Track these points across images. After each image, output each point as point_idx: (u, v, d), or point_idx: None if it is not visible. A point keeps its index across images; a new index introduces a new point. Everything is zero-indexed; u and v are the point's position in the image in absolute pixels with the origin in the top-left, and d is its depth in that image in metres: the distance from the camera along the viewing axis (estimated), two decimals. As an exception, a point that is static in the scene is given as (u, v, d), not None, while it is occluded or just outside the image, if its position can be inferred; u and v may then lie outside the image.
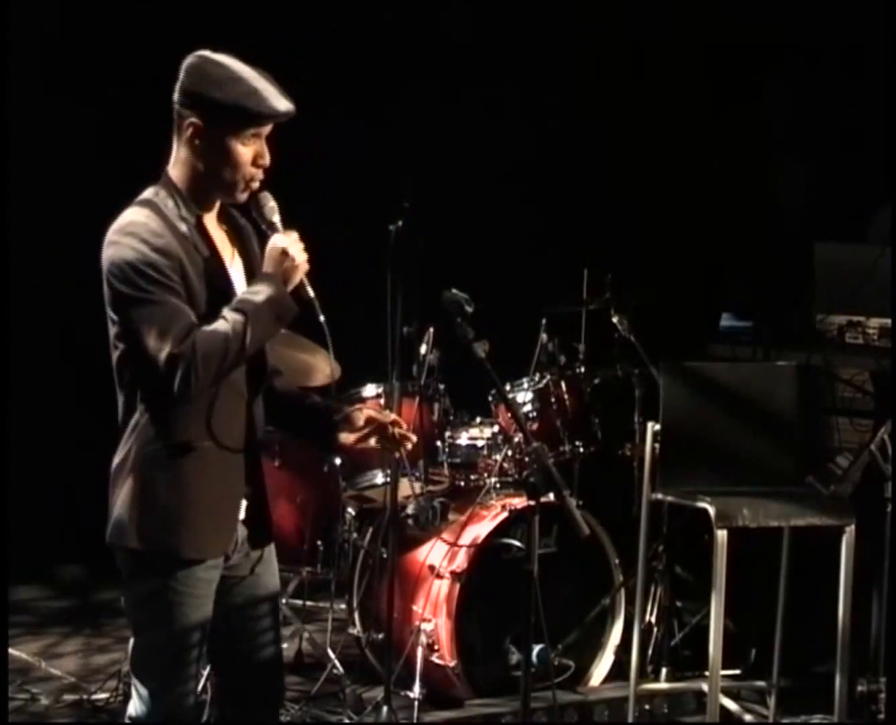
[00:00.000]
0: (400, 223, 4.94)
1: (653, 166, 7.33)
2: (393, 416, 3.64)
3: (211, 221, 3.41)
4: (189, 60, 3.33)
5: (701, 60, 7.36)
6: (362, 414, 3.58)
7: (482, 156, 7.37)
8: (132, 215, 3.28)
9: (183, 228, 3.30)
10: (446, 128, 7.31)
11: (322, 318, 3.38)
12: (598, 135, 7.39)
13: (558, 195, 7.41)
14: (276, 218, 3.41)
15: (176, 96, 3.33)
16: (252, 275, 3.42)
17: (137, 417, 3.31)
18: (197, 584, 3.33)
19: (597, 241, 6.93)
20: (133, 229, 3.24)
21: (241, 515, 3.43)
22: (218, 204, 3.42)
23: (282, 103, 3.32)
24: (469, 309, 3.56)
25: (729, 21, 7.25)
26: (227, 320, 3.24)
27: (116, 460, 3.35)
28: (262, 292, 3.29)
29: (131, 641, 3.46)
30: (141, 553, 3.31)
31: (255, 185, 3.37)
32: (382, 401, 5.56)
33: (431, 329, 5.37)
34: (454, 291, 3.60)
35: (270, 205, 3.41)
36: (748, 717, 5.42)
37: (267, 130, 3.34)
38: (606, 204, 7.36)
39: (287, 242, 3.35)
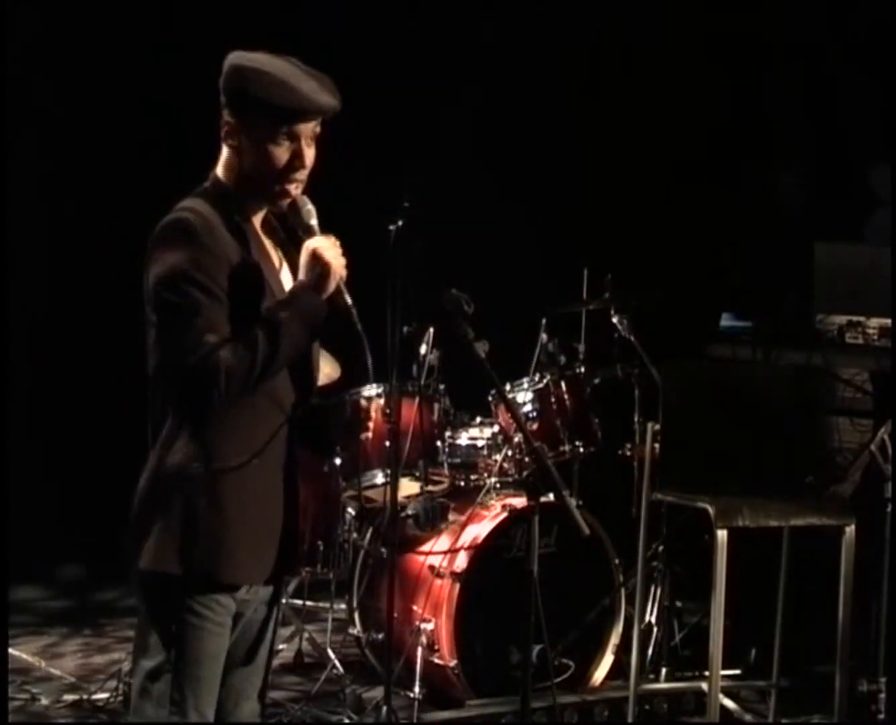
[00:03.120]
0: (400, 223, 4.93)
1: (653, 166, 7.33)
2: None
3: (259, 227, 3.25)
4: (227, 58, 3.18)
5: (701, 61, 7.36)
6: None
7: (482, 156, 7.37)
8: (183, 213, 3.11)
9: (231, 227, 3.14)
10: (447, 128, 7.31)
11: (360, 327, 3.19)
12: (599, 135, 7.39)
13: (558, 195, 7.41)
14: (314, 222, 3.22)
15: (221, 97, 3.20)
16: None
17: (171, 431, 3.12)
18: (222, 611, 3.16)
19: (597, 241, 6.93)
20: (184, 226, 3.08)
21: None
22: (264, 211, 3.25)
23: (317, 98, 3.13)
24: (469, 309, 3.55)
25: (729, 20, 7.25)
26: (257, 335, 3.04)
27: (147, 475, 3.16)
28: (294, 303, 3.12)
29: (142, 662, 3.19)
30: (178, 578, 3.11)
31: (295, 188, 3.19)
32: (382, 401, 5.56)
33: (431, 329, 5.37)
34: (454, 291, 3.58)
35: (307, 208, 3.21)
36: (748, 717, 5.42)
37: (307, 128, 3.16)
38: (606, 204, 7.35)
39: (320, 246, 3.16)
